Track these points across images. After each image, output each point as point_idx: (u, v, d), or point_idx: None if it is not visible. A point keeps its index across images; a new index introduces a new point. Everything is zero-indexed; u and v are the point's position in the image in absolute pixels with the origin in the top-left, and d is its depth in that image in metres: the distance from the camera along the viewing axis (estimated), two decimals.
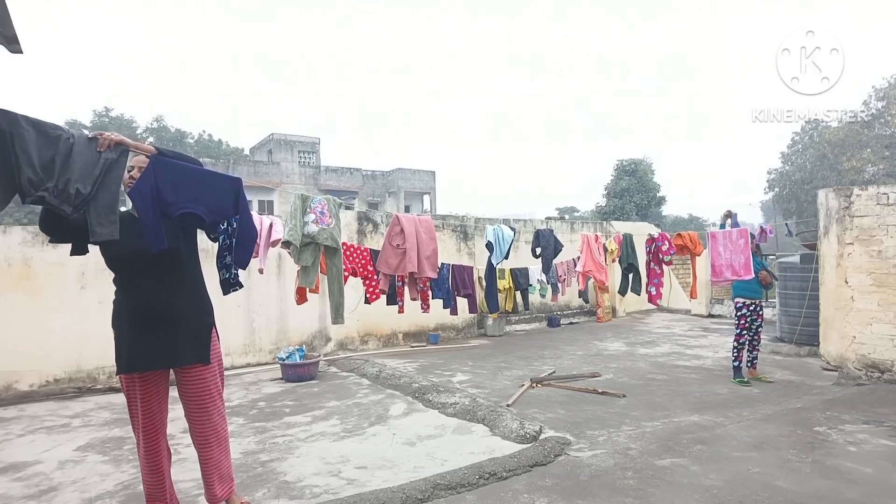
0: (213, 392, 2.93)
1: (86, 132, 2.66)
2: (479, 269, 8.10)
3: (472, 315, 9.20)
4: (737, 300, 6.15)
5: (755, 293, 6.11)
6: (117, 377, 3.01)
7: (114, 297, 2.96)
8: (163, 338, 2.80)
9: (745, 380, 5.96)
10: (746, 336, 6.07)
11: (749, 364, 6.19)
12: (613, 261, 7.36)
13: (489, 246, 6.56)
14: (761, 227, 6.18)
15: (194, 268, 3.08)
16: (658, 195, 30.44)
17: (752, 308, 6.07)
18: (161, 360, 2.81)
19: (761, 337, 6.32)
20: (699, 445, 4.02)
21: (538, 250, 7.29)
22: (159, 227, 2.80)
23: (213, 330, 3.00)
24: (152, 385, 2.85)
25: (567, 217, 22.01)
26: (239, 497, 3.10)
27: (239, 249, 3.07)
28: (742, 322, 6.04)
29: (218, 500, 2.97)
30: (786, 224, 6.84)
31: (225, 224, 3.05)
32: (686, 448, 3.96)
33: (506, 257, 6.65)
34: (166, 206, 2.79)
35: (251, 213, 3.30)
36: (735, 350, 6.07)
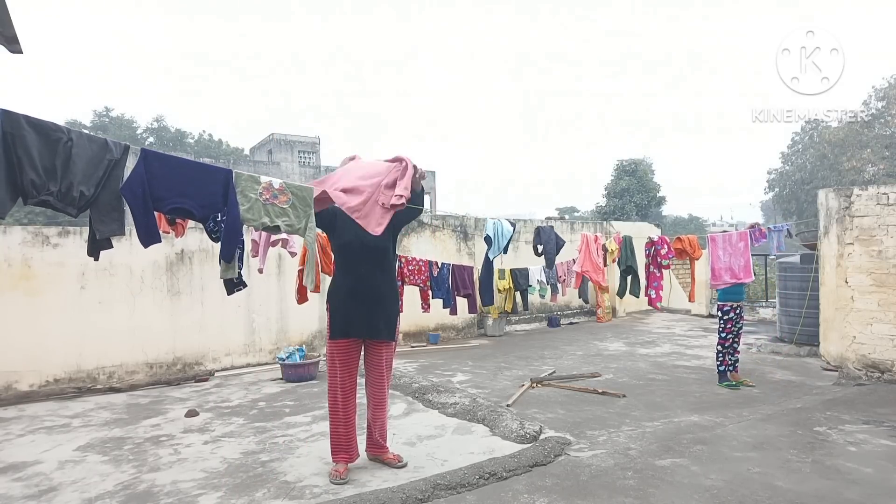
0: (390, 363, 3.70)
1: (86, 132, 2.66)
2: (479, 270, 8.10)
3: (472, 315, 9.19)
4: (723, 305, 5.96)
5: (741, 296, 5.98)
6: (327, 343, 3.61)
7: (333, 276, 3.65)
8: (368, 314, 3.47)
9: (734, 383, 5.82)
10: (730, 340, 5.91)
11: (731, 367, 5.97)
12: (613, 261, 7.34)
13: (488, 240, 6.55)
14: (752, 225, 6.08)
15: (394, 261, 3.81)
16: (658, 195, 30.42)
17: (738, 311, 5.91)
18: (365, 331, 3.50)
19: (741, 338, 6.12)
20: (699, 445, 4.02)
21: (540, 248, 7.25)
22: (152, 224, 2.80)
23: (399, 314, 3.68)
24: (354, 350, 3.56)
25: (567, 217, 21.99)
26: (391, 451, 3.76)
27: (225, 243, 3.06)
28: (729, 326, 5.87)
29: (382, 447, 3.70)
30: (786, 227, 6.80)
31: (218, 217, 3.04)
32: (686, 448, 3.96)
33: (504, 252, 6.64)
34: (157, 202, 2.79)
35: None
36: (721, 355, 5.90)
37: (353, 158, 3.60)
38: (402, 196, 3.24)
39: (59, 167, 2.45)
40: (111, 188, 2.66)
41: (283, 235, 4.80)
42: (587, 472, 3.56)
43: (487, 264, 6.72)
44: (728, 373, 5.93)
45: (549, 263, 7.32)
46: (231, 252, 3.12)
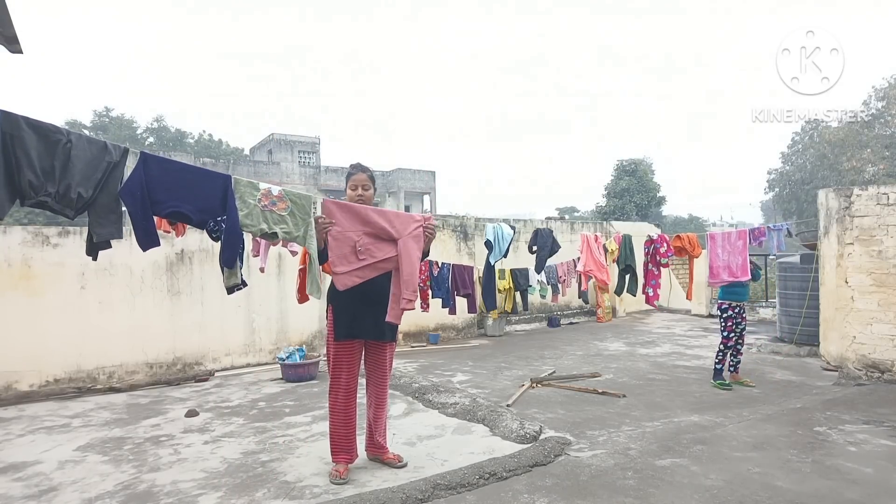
0: (391, 363, 3.77)
1: (85, 134, 2.66)
2: (479, 269, 8.09)
3: (472, 315, 9.19)
4: (722, 303, 5.94)
5: (741, 296, 5.94)
6: (332, 343, 3.54)
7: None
8: (373, 316, 3.46)
9: (728, 383, 5.78)
10: (733, 339, 5.88)
11: (732, 368, 5.96)
12: (613, 261, 7.35)
13: (488, 244, 6.55)
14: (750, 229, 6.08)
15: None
16: (658, 195, 30.42)
17: (737, 311, 5.88)
18: (370, 332, 3.52)
19: (745, 339, 6.07)
20: (699, 445, 4.02)
21: (534, 248, 7.24)
22: (151, 227, 2.81)
23: None
24: (358, 351, 3.57)
25: (567, 217, 21.99)
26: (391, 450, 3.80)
27: (225, 249, 3.06)
28: (730, 325, 5.84)
29: (382, 447, 3.73)
30: (786, 227, 6.82)
31: (213, 222, 3.04)
32: (686, 448, 3.96)
33: (504, 256, 6.63)
34: (155, 205, 2.79)
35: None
36: (720, 353, 5.87)
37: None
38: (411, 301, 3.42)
39: (58, 169, 2.45)
40: (109, 191, 2.66)
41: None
42: (587, 472, 3.56)
43: (489, 269, 6.70)
44: (728, 373, 5.92)
45: (539, 266, 7.27)
46: (233, 258, 3.12)
